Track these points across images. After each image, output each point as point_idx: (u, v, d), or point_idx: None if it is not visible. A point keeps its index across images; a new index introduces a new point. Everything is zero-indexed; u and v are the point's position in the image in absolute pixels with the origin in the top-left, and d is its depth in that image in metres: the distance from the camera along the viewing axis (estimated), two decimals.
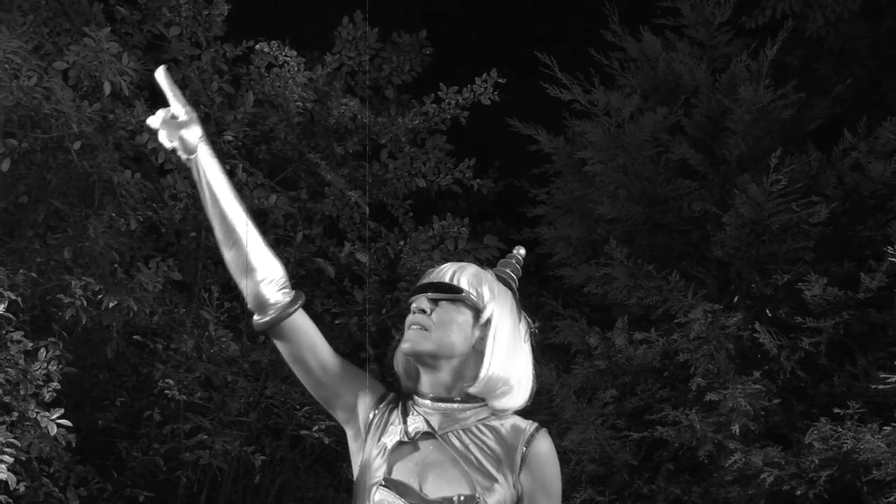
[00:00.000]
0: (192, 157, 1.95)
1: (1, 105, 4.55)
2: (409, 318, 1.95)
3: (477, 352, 1.93)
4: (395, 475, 1.86)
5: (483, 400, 1.94)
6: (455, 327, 1.91)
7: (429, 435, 1.90)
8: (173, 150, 1.96)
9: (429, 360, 1.92)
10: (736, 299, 4.94)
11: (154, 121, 1.95)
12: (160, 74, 1.97)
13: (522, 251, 2.13)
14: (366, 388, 1.98)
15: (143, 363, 5.29)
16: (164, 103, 1.98)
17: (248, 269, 1.95)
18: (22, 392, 4.20)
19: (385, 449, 1.89)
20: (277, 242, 5.81)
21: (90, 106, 4.77)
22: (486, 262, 2.18)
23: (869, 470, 4.20)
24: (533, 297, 5.42)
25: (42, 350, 4.32)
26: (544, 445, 1.91)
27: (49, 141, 4.82)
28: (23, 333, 4.33)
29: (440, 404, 1.93)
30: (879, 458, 4.13)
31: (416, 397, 1.97)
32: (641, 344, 4.85)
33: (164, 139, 1.95)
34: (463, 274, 1.95)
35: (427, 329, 1.91)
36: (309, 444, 5.41)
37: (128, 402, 5.29)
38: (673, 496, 4.74)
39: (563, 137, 5.62)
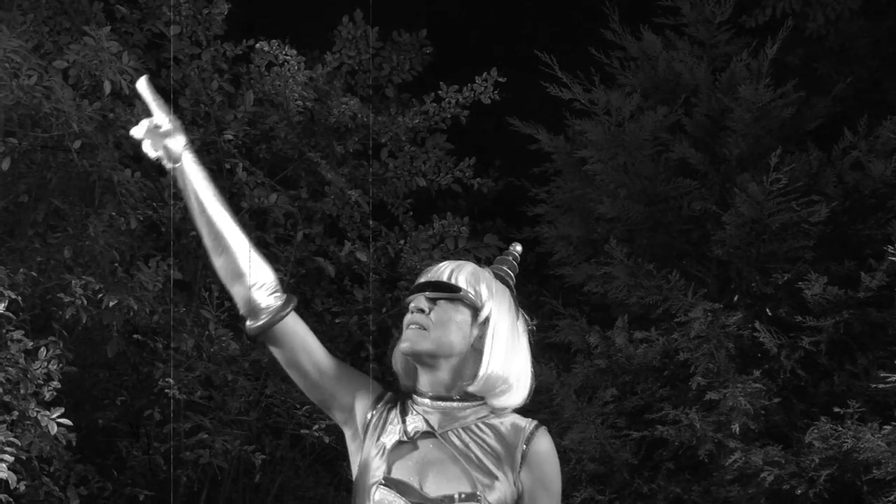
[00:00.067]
0: (176, 165, 1.96)
1: (1, 104, 4.55)
2: (408, 317, 1.95)
3: (476, 350, 1.93)
4: (395, 474, 1.86)
5: (482, 398, 1.94)
6: (454, 326, 1.91)
7: (428, 434, 1.90)
8: (158, 160, 1.97)
9: (428, 359, 1.92)
10: (736, 298, 4.94)
11: (138, 131, 1.96)
12: (142, 85, 1.98)
13: (519, 248, 2.12)
14: (363, 388, 1.98)
15: (144, 362, 5.29)
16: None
17: (239, 275, 1.95)
18: (22, 391, 4.20)
19: (384, 448, 1.89)
20: (278, 241, 5.82)
21: (90, 105, 4.77)
22: (486, 262, 2.17)
23: (869, 469, 4.20)
24: (533, 297, 5.42)
25: (42, 349, 4.32)
26: (544, 443, 1.92)
27: (49, 140, 4.82)
28: (23, 332, 4.33)
29: (439, 403, 1.93)
30: (879, 458, 4.13)
31: (414, 396, 1.97)
32: (641, 343, 4.86)
33: (149, 149, 1.96)
34: (461, 272, 1.95)
35: (426, 328, 1.91)
36: (309, 443, 5.42)
37: (128, 401, 5.29)
38: (673, 495, 4.74)
39: (564, 136, 5.62)
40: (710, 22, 5.35)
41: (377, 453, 1.90)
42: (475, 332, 1.93)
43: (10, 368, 4.17)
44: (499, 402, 1.94)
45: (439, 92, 5.97)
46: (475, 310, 1.93)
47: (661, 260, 5.05)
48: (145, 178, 5.18)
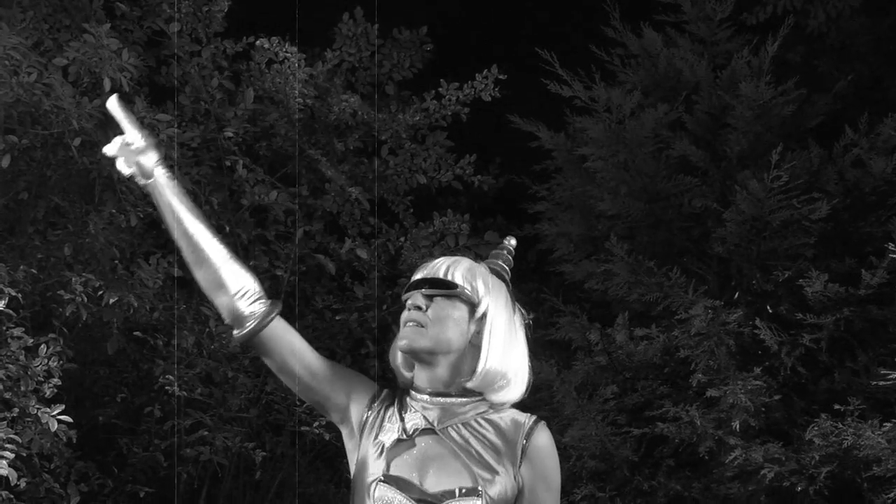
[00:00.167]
0: (149, 181, 1.98)
1: (1, 101, 4.55)
2: (405, 314, 1.94)
3: (473, 346, 1.92)
4: (394, 471, 1.86)
5: (481, 394, 1.94)
6: (451, 323, 1.91)
7: (427, 430, 1.90)
8: (131, 176, 1.99)
9: (426, 356, 1.92)
10: (737, 295, 4.94)
11: (111, 148, 1.99)
12: (112, 104, 2.01)
13: (513, 242, 2.12)
14: (357, 388, 1.98)
15: (144, 359, 5.29)
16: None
17: (220, 286, 1.96)
18: (23, 388, 4.20)
19: (383, 446, 1.89)
20: (278, 238, 5.82)
21: (90, 102, 4.76)
22: (486, 259, 2.17)
23: (869, 466, 4.20)
24: (533, 294, 5.42)
25: (42, 346, 4.32)
26: (544, 438, 1.92)
27: (49, 137, 4.82)
28: (23, 330, 4.33)
29: (438, 399, 1.93)
30: (880, 455, 4.13)
31: (412, 392, 1.96)
32: (642, 340, 4.86)
33: (122, 166, 1.99)
34: (457, 268, 1.95)
35: (423, 326, 1.91)
36: (309, 440, 5.42)
37: (128, 398, 5.29)
38: (673, 492, 4.74)
39: (564, 134, 5.62)
40: (710, 19, 5.35)
41: (375, 452, 1.90)
42: (473, 328, 1.92)
43: (10, 365, 4.18)
44: (497, 397, 1.94)
45: (440, 89, 5.96)
46: (472, 306, 1.93)
47: (662, 257, 5.05)
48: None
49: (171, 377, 4.91)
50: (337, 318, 5.76)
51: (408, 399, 1.96)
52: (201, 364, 5.12)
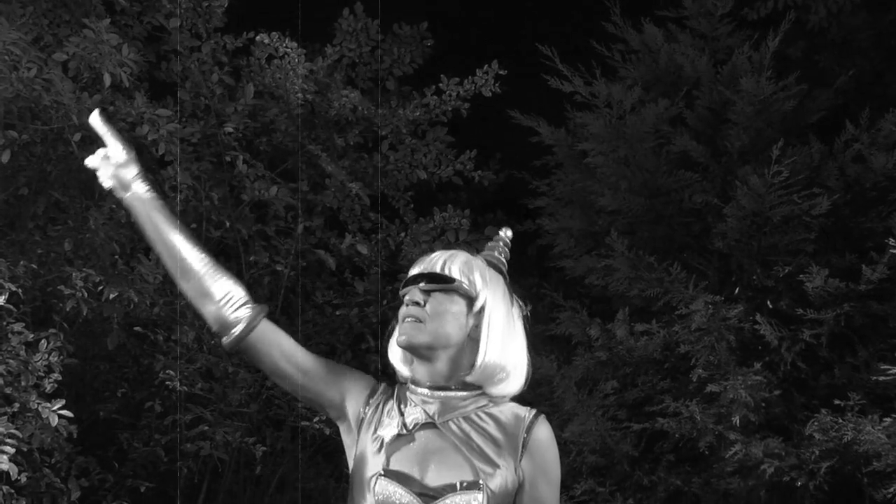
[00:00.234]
0: (127, 195, 2.02)
1: (1, 97, 4.54)
2: (403, 310, 1.94)
3: (472, 340, 1.92)
4: (395, 466, 1.86)
5: (480, 387, 1.94)
6: (450, 317, 1.91)
7: (427, 424, 1.90)
8: (111, 189, 2.04)
9: (425, 351, 1.92)
10: (737, 291, 4.94)
11: (92, 161, 2.04)
12: (94, 118, 2.06)
13: (509, 233, 2.12)
14: (352, 384, 1.98)
15: (144, 354, 5.29)
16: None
17: (206, 295, 1.98)
18: (23, 383, 4.20)
19: (382, 441, 1.89)
20: (278, 234, 5.81)
21: (90, 97, 4.76)
22: (482, 251, 2.16)
23: (869, 461, 4.21)
24: (534, 289, 5.42)
25: (43, 341, 4.32)
26: (544, 431, 1.92)
27: (49, 133, 4.81)
28: (24, 325, 4.33)
29: (438, 393, 1.93)
30: (880, 450, 4.13)
31: (412, 386, 1.96)
32: (642, 335, 4.86)
33: (102, 178, 2.04)
34: (454, 262, 1.95)
35: (422, 321, 1.91)
36: (310, 436, 5.42)
37: (129, 393, 5.29)
38: (673, 487, 4.74)
39: (565, 129, 5.62)
40: (711, 14, 5.35)
41: (375, 446, 1.89)
42: (471, 321, 1.92)
43: (10, 360, 4.18)
44: (497, 390, 1.94)
45: (440, 84, 5.96)
46: (470, 299, 1.93)
47: (662, 252, 5.05)
48: (145, 171, 5.17)
49: (171, 372, 4.91)
50: (337, 313, 5.76)
51: (407, 393, 1.96)
52: (202, 359, 5.12)
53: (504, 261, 2.06)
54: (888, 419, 4.15)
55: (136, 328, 5.08)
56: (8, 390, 4.18)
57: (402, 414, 1.91)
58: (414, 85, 6.25)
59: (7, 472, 4.02)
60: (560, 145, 5.61)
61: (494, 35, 7.22)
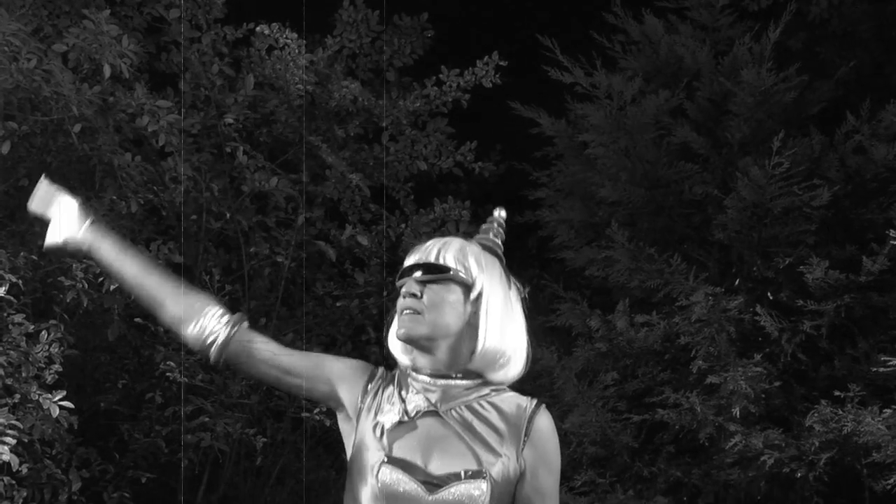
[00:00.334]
0: (85, 249, 2.06)
1: (0, 87, 4.54)
2: (400, 302, 1.93)
3: (471, 326, 1.91)
4: (397, 453, 1.85)
5: (482, 375, 1.93)
6: (447, 307, 1.90)
7: (429, 412, 1.90)
8: (65, 244, 2.08)
9: (425, 343, 1.91)
10: (737, 282, 4.94)
11: (47, 243, 2.10)
12: (34, 207, 2.13)
13: (503, 213, 2.10)
14: (345, 373, 1.97)
15: (145, 346, 5.30)
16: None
17: (181, 319, 1.99)
18: (24, 374, 4.20)
19: (382, 427, 1.88)
20: (279, 225, 5.81)
21: (90, 89, 4.75)
22: (477, 234, 2.14)
23: (869, 452, 4.21)
24: (534, 280, 5.42)
25: (43, 332, 4.32)
26: (546, 421, 1.92)
27: (49, 124, 4.81)
28: (24, 316, 4.34)
29: (440, 381, 1.92)
30: (879, 441, 4.14)
31: (412, 373, 1.96)
32: (643, 327, 4.86)
33: (53, 240, 2.09)
34: (448, 250, 1.94)
35: (420, 312, 1.90)
36: (310, 427, 5.43)
37: (129, 384, 5.30)
38: (673, 478, 4.75)
39: (565, 120, 5.61)
40: (712, 5, 5.33)
41: (375, 433, 1.89)
42: (469, 308, 1.91)
43: (11, 352, 4.18)
44: (499, 375, 1.94)
45: (440, 76, 5.95)
46: (467, 287, 1.92)
47: (663, 244, 5.05)
48: (146, 162, 5.18)
49: (172, 363, 4.91)
50: (338, 304, 5.76)
51: (408, 379, 1.95)
52: None
53: (499, 243, 2.05)
54: (888, 410, 4.16)
55: (137, 319, 5.08)
56: (9, 381, 4.18)
57: (403, 401, 1.91)
58: (414, 76, 6.24)
59: (8, 463, 4.03)
60: (560, 136, 5.60)
61: (495, 26, 7.21)
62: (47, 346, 4.29)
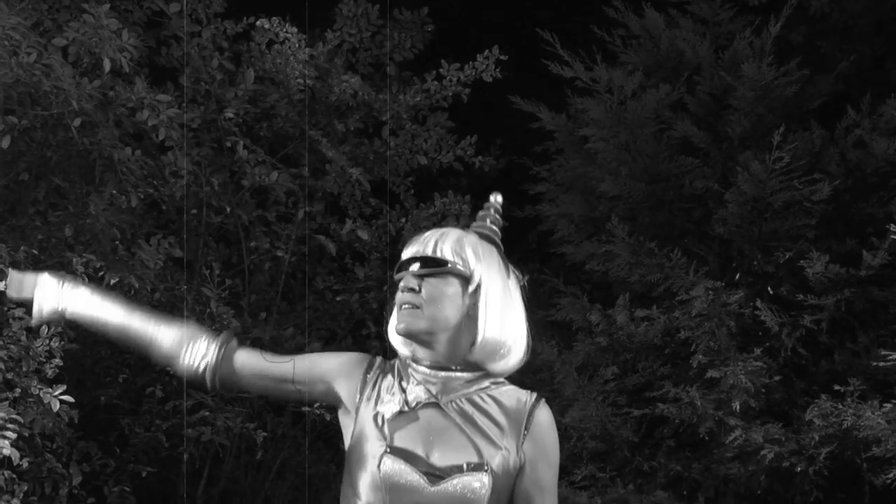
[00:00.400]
0: (68, 317, 2.10)
1: (0, 82, 4.53)
2: (399, 296, 1.93)
3: (471, 318, 1.91)
4: (398, 443, 1.85)
5: (482, 367, 1.93)
6: (446, 301, 1.90)
7: (430, 403, 1.90)
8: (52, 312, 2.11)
9: (425, 337, 1.91)
10: (737, 276, 4.94)
11: (33, 323, 2.15)
12: (10, 290, 2.15)
13: (499, 198, 2.09)
14: (339, 369, 1.96)
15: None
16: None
17: (172, 356, 2.03)
18: (24, 368, 4.20)
19: (382, 418, 1.88)
20: (279, 219, 5.81)
21: (90, 83, 4.74)
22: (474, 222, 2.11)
23: (869, 447, 4.22)
24: (534, 275, 5.42)
25: (44, 327, 4.32)
26: (545, 415, 1.92)
27: (49, 118, 4.80)
28: (24, 310, 4.33)
29: (440, 373, 1.92)
30: (879, 435, 4.14)
31: (413, 363, 1.95)
32: (643, 321, 4.86)
33: (37, 318, 2.13)
34: (445, 242, 1.93)
35: (418, 307, 1.90)
36: (310, 421, 5.43)
37: (130, 378, 5.30)
38: (673, 472, 4.76)
39: (565, 115, 5.61)
40: (712, 0, 5.33)
41: (376, 422, 1.89)
42: (468, 301, 1.91)
43: (12, 346, 4.18)
44: (499, 366, 1.94)
45: (441, 70, 5.94)
46: (465, 279, 1.91)
47: (663, 238, 5.05)
48: (146, 157, 5.17)
49: None
50: (338, 298, 5.76)
51: (409, 370, 1.95)
52: None
53: (496, 230, 2.04)
54: (888, 405, 4.16)
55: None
56: (9, 376, 4.18)
57: (403, 391, 1.91)
58: (414, 70, 6.24)
59: (9, 458, 4.03)
60: (561, 131, 5.60)
61: (495, 20, 7.20)
62: (48, 341, 4.29)
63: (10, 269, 2.19)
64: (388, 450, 1.84)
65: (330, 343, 5.79)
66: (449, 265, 1.90)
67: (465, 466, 1.83)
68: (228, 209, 5.61)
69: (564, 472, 4.83)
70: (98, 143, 4.92)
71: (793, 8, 5.07)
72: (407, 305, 1.91)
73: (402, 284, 1.93)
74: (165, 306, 5.18)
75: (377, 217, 5.91)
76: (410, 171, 6.07)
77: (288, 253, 5.63)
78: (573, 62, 5.37)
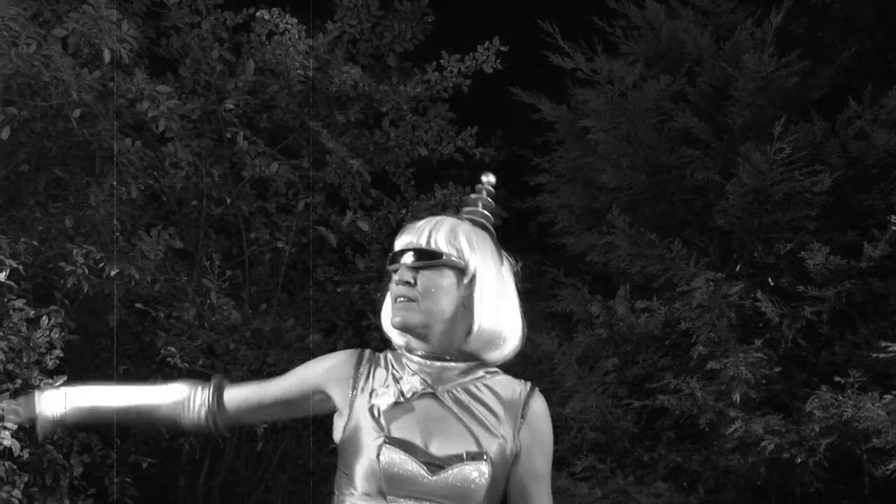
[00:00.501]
0: (69, 421, 2.11)
1: (0, 73, 4.53)
2: (394, 289, 1.92)
3: (466, 309, 1.91)
4: (396, 434, 1.85)
5: (477, 357, 1.93)
6: (442, 293, 1.89)
7: (426, 394, 1.89)
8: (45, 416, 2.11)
9: (421, 329, 1.91)
10: (738, 268, 4.94)
11: (41, 437, 2.21)
12: (13, 414, 2.17)
13: (492, 178, 2.06)
14: (326, 375, 1.96)
15: (146, 331, 5.30)
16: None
17: (173, 418, 2.06)
18: (25, 360, 4.21)
19: (378, 409, 1.88)
20: (279, 210, 5.81)
21: (90, 74, 4.74)
22: (465, 207, 2.07)
23: (869, 438, 4.22)
24: (535, 266, 5.42)
25: (44, 318, 4.33)
26: (540, 404, 1.93)
27: (49, 109, 4.80)
28: (25, 301, 4.34)
29: (435, 363, 1.92)
30: (879, 427, 4.14)
31: (407, 354, 1.95)
32: (643, 312, 4.86)
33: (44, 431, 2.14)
34: (439, 234, 1.92)
35: (414, 300, 1.89)
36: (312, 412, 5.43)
37: (130, 369, 5.30)
38: (673, 464, 4.76)
39: (566, 106, 5.60)
40: None
41: (371, 415, 1.88)
42: (463, 291, 1.90)
43: (12, 337, 4.18)
44: (494, 355, 1.94)
45: (441, 61, 5.93)
46: (460, 270, 1.91)
47: (664, 229, 5.05)
48: (146, 148, 5.17)
49: (172, 349, 4.92)
50: (338, 290, 5.77)
51: (403, 360, 1.95)
52: (203, 336, 5.13)
53: (489, 214, 2.02)
54: (888, 396, 4.16)
55: (137, 305, 5.08)
56: (10, 367, 4.19)
57: (397, 382, 1.91)
58: (415, 61, 6.22)
59: (9, 448, 4.04)
60: (561, 122, 5.59)
61: (495, 11, 7.18)
62: (48, 332, 4.29)
63: (7, 401, 2.22)
64: (387, 440, 1.83)
65: (330, 334, 5.80)
66: (444, 257, 1.89)
67: (464, 455, 1.83)
68: (228, 200, 5.60)
69: (564, 463, 4.84)
70: (98, 135, 4.91)
71: None
72: (402, 299, 1.90)
73: (396, 277, 1.92)
74: (165, 298, 5.19)
75: (378, 208, 5.91)
76: (411, 162, 6.06)
77: (288, 244, 5.63)
78: (574, 53, 5.35)
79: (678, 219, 5.22)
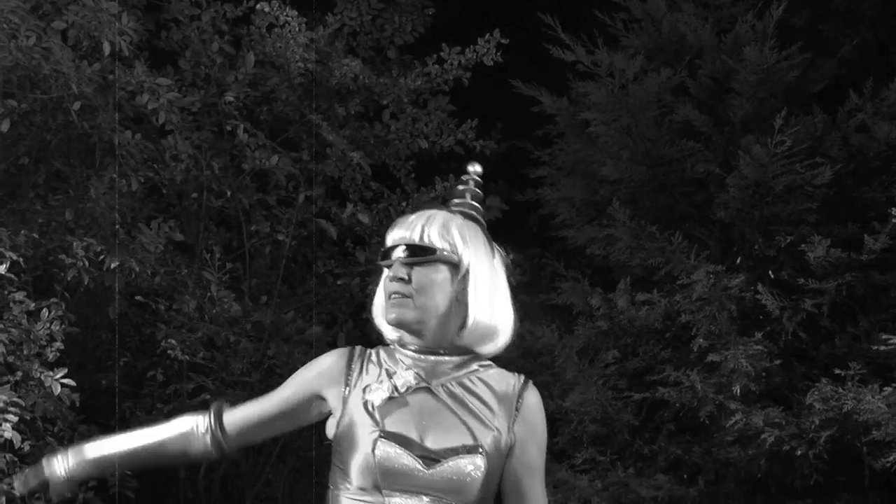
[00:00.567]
0: (79, 478, 2.11)
1: (0, 65, 4.52)
2: (388, 286, 1.91)
3: (460, 303, 1.90)
4: (391, 428, 1.84)
5: (470, 350, 1.93)
6: (436, 289, 1.88)
7: (420, 388, 1.89)
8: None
9: (416, 325, 1.91)
10: (739, 260, 4.94)
11: (55, 500, 2.16)
12: (20, 486, 2.16)
13: (478, 168, 2.04)
14: (319, 380, 1.95)
15: (146, 324, 5.31)
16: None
17: (183, 453, 2.06)
18: (25, 352, 4.22)
19: (372, 404, 1.88)
20: (279, 203, 5.81)
21: (90, 66, 4.74)
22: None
23: (869, 430, 4.22)
24: (535, 259, 5.42)
25: (45, 310, 4.33)
26: (534, 397, 1.93)
27: (49, 101, 4.79)
28: (25, 294, 4.34)
29: (429, 357, 1.92)
30: (879, 419, 4.15)
31: (400, 349, 1.95)
32: (643, 305, 4.86)
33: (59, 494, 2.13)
34: (432, 228, 1.90)
35: (409, 296, 1.88)
36: None
37: (131, 362, 5.31)
38: (674, 456, 4.76)
39: (567, 98, 5.58)
40: None
41: (365, 410, 1.87)
42: (457, 286, 1.90)
43: (12, 329, 4.19)
44: (487, 348, 1.94)
45: (441, 54, 5.93)
46: (454, 265, 1.90)
47: (664, 222, 5.05)
48: (146, 140, 5.17)
49: (173, 342, 4.92)
50: (339, 282, 5.77)
51: (396, 355, 1.94)
52: (203, 328, 5.13)
53: (478, 205, 2.01)
54: (888, 389, 4.16)
55: (138, 297, 5.09)
56: (10, 359, 4.19)
57: (390, 376, 1.90)
58: (415, 54, 6.22)
59: (10, 441, 4.04)
60: (562, 115, 5.58)
61: (496, 4, 7.17)
62: (48, 324, 4.30)
63: (17, 475, 2.23)
64: (382, 434, 1.83)
65: (331, 327, 5.80)
66: (437, 253, 1.89)
67: (460, 449, 1.83)
68: (229, 193, 5.61)
69: (565, 455, 4.84)
70: (98, 127, 4.91)
71: None
72: (396, 295, 1.89)
73: (390, 273, 1.91)
74: (166, 290, 5.19)
75: (378, 201, 5.91)
76: (411, 154, 6.06)
77: (289, 237, 5.64)
78: (574, 46, 5.34)
79: (679, 211, 5.22)
